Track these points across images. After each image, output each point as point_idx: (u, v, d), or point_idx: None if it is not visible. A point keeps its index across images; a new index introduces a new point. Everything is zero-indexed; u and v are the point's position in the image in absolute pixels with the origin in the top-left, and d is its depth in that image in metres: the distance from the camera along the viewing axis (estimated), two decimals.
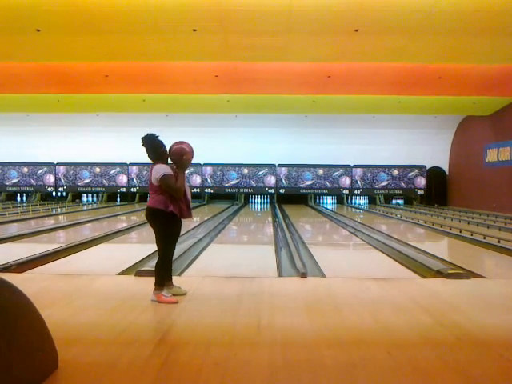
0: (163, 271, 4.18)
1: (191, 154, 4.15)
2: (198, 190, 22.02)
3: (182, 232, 4.49)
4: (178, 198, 4.09)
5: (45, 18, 8.60)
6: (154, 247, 6.35)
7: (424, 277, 5.56)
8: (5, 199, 22.34)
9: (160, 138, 4.20)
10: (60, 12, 8.36)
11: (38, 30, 9.12)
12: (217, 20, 8.64)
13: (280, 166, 22.19)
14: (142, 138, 4.16)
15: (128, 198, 22.58)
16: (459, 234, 10.05)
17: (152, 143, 4.17)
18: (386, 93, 14.52)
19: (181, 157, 4.08)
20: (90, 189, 22.59)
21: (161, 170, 4.05)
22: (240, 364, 2.79)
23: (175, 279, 4.54)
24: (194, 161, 4.27)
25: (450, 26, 8.82)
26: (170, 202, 4.06)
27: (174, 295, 4.18)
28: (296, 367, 2.75)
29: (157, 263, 4.20)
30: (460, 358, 2.90)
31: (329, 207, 20.80)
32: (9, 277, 2.59)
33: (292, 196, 22.07)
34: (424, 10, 8.26)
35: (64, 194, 22.72)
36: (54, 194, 22.74)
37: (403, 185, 22.15)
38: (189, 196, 4.27)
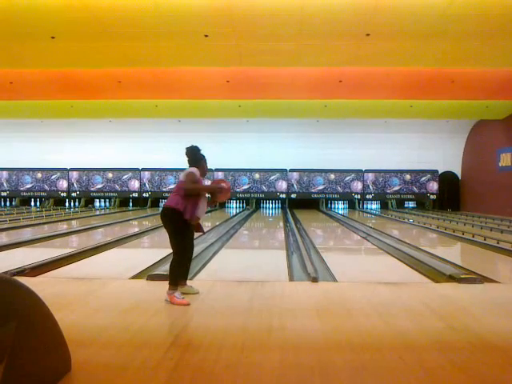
0: (176, 271, 4.28)
1: (227, 191, 4.69)
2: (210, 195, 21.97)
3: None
4: (185, 194, 4.25)
5: (59, 25, 8.74)
6: (165, 251, 6.39)
7: (436, 281, 5.52)
8: (19, 204, 22.62)
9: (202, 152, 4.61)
10: (74, 19, 8.49)
11: (53, 38, 9.28)
12: (228, 26, 8.70)
13: (291, 170, 22.18)
14: (186, 148, 4.58)
15: (140, 202, 22.72)
16: (472, 238, 9.95)
17: (193, 153, 4.55)
18: (398, 97, 14.47)
19: (217, 190, 4.64)
20: (102, 194, 22.79)
21: (192, 169, 4.41)
22: (251, 367, 2.80)
23: (188, 282, 4.60)
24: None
25: (463, 29, 8.78)
26: (181, 200, 4.24)
27: (185, 293, 4.29)
28: (307, 370, 2.75)
29: (171, 262, 4.33)
30: (472, 363, 2.88)
31: (340, 212, 20.72)
32: (23, 280, 2.63)
33: (303, 201, 22.04)
34: (436, 14, 8.23)
35: (76, 200, 22.97)
36: (66, 203, 23.00)
37: (415, 189, 22.01)
38: (200, 209, 4.39)
